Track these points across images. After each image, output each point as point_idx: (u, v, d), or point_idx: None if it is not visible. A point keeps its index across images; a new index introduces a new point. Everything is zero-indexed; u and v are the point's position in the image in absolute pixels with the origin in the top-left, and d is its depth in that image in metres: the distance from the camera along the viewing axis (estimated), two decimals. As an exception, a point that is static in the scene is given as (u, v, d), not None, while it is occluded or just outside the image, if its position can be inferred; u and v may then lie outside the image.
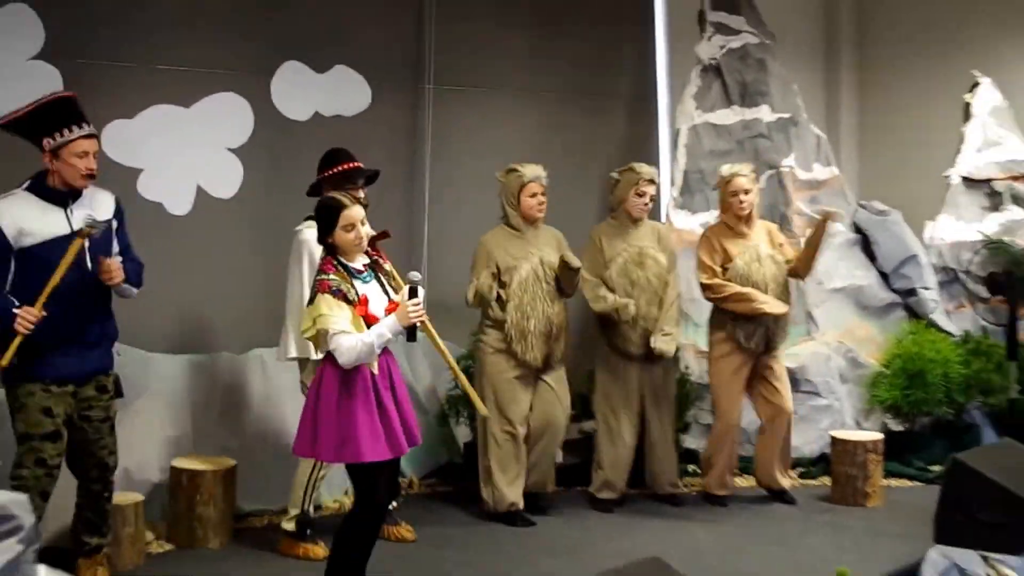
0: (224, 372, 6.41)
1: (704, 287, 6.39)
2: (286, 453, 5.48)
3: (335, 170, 5.35)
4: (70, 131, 4.60)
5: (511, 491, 6.15)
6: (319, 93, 6.79)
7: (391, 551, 5.39)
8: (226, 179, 6.47)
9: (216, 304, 6.43)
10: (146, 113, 6.06)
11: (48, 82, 5.56)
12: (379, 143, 6.89)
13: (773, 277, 6.41)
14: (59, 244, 4.57)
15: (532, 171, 6.14)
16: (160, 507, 5.87)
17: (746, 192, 6.45)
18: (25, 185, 4.67)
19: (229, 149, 6.48)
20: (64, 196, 4.60)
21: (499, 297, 6.05)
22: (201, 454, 6.01)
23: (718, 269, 6.41)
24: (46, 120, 4.63)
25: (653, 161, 7.85)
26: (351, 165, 5.41)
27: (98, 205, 4.81)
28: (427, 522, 5.69)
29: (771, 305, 6.30)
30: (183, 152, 6.27)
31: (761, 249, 6.44)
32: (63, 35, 5.79)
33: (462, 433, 6.81)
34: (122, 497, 5.27)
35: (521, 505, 6.20)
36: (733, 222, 6.52)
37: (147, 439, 5.92)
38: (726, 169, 6.65)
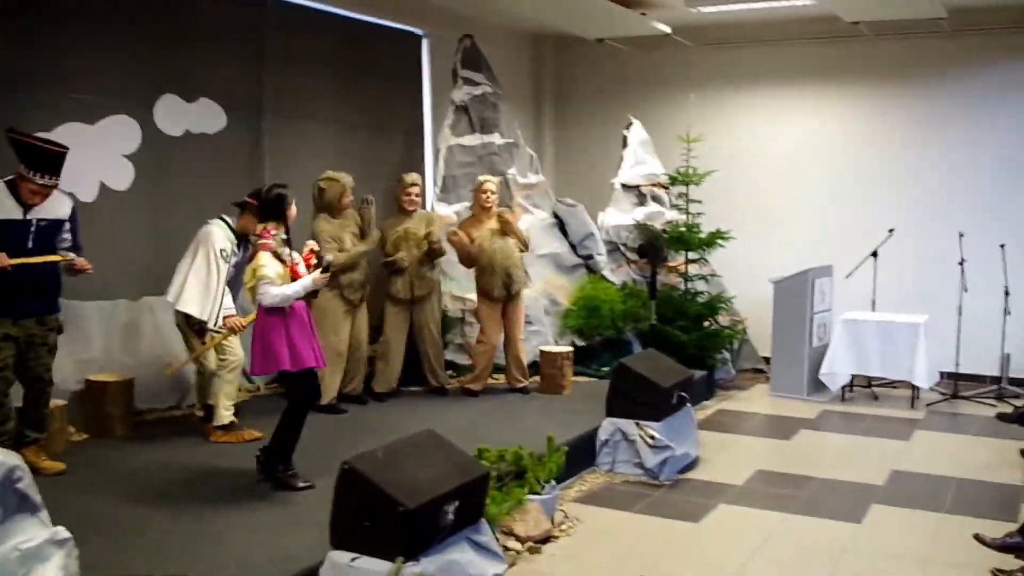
0: (123, 314, 6.87)
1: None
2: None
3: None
4: (39, 176, 5.16)
5: (331, 391, 7.08)
6: (188, 116, 7.19)
7: (249, 447, 5.81)
8: (122, 177, 6.82)
9: (117, 265, 6.63)
10: (61, 128, 6.33)
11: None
12: (233, 156, 7.45)
13: (500, 248, 7.64)
14: (7, 225, 5.17)
15: (348, 180, 7.13)
16: (78, 409, 6.35)
17: (492, 192, 7.79)
18: (7, 179, 5.24)
19: (124, 155, 6.83)
20: (24, 200, 5.23)
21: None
22: (108, 371, 6.56)
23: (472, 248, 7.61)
24: (35, 156, 5.16)
25: (421, 171, 8.76)
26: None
27: (56, 207, 5.39)
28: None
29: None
30: (90, 156, 6.50)
31: (495, 229, 7.68)
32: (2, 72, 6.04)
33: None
34: (52, 403, 5.68)
35: (336, 399, 7.14)
36: (479, 212, 7.83)
37: (68, 361, 6.32)
38: (480, 177, 7.89)
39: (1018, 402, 8.38)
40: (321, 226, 7.11)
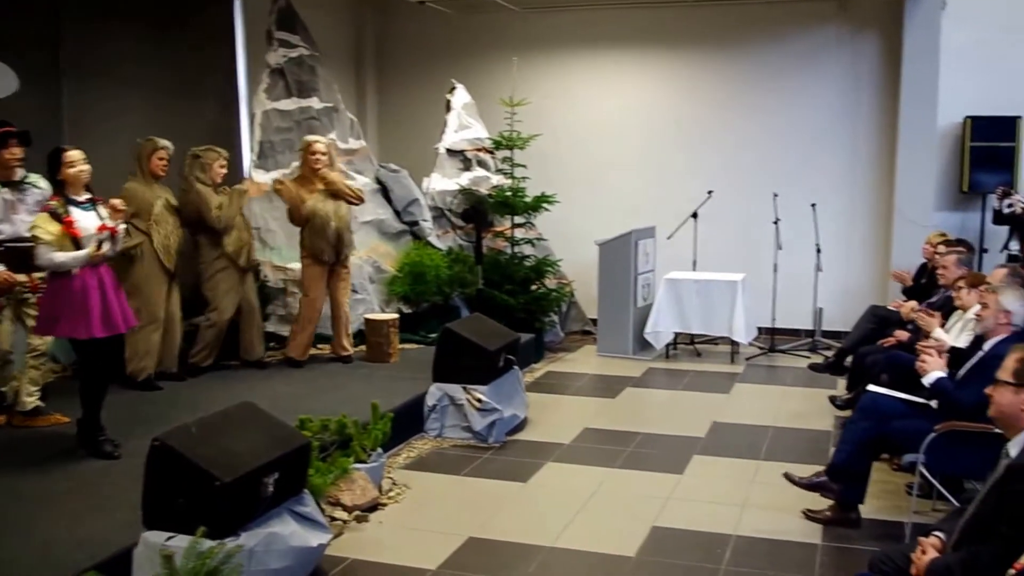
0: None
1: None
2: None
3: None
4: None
5: (149, 367, 6.88)
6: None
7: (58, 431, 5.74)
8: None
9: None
10: None
11: None
12: (27, 123, 6.75)
13: (334, 211, 7.51)
14: None
15: (162, 142, 6.89)
16: None
17: (322, 154, 7.56)
18: None
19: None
20: None
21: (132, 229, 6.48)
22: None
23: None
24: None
25: (237, 136, 8.48)
26: (4, 129, 5.80)
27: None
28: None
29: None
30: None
31: (326, 192, 7.50)
32: None
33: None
34: None
35: (152, 375, 6.90)
36: (308, 174, 7.57)
37: None
38: (309, 137, 7.68)
39: (830, 353, 8.89)
40: (128, 187, 6.83)
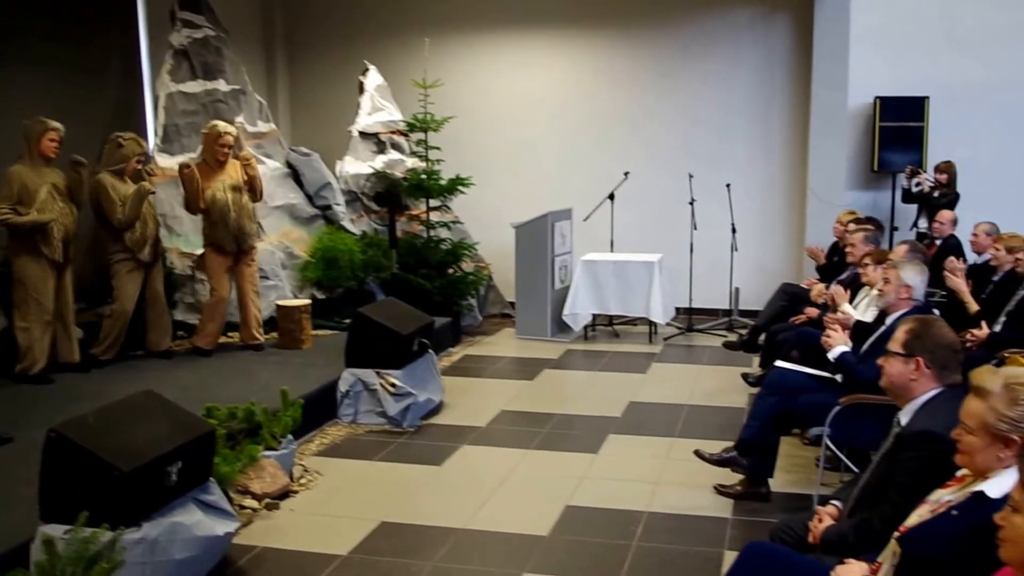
0: None
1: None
2: None
3: None
4: None
5: (41, 360, 6.67)
6: None
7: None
8: None
9: None
10: None
11: None
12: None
13: (235, 201, 7.47)
14: None
15: (53, 123, 6.65)
16: None
17: (230, 147, 7.48)
18: None
19: None
20: None
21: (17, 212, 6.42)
22: None
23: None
24: None
25: (140, 119, 8.42)
26: None
27: None
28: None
29: None
30: None
31: (228, 181, 7.47)
32: None
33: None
34: None
35: (45, 367, 6.67)
36: (211, 162, 7.47)
37: None
38: (220, 126, 7.52)
39: (746, 332, 9.06)
40: (10, 171, 6.61)
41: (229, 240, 7.53)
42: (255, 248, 7.86)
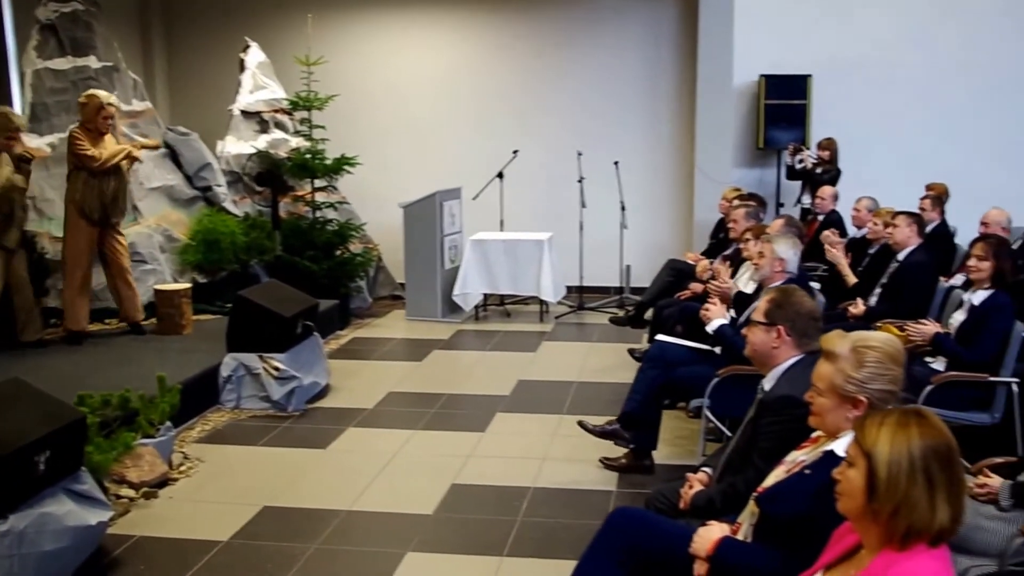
0: None
1: (94, 160, 7.09)
2: None
3: None
4: None
5: None
6: None
7: None
8: None
9: None
10: None
11: None
12: None
13: (113, 173, 7.29)
14: None
15: None
16: None
17: (112, 116, 7.30)
18: None
19: None
20: None
21: None
22: None
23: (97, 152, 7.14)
24: None
25: (7, 98, 8.18)
26: None
27: None
28: None
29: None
30: None
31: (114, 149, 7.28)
32: None
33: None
34: None
35: None
36: (95, 130, 7.21)
37: None
38: (101, 94, 7.30)
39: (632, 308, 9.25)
40: None
41: (98, 208, 7.31)
42: (120, 225, 7.65)
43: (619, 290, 10.31)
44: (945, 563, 2.08)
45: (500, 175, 9.87)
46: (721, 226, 8.62)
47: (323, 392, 6.94)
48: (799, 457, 2.83)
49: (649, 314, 7.91)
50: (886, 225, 6.82)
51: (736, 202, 7.83)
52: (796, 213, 9.35)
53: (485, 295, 9.75)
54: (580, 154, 9.88)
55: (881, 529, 2.09)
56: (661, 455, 5.48)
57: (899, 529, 2.05)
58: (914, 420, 2.10)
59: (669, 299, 7.49)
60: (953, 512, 2.06)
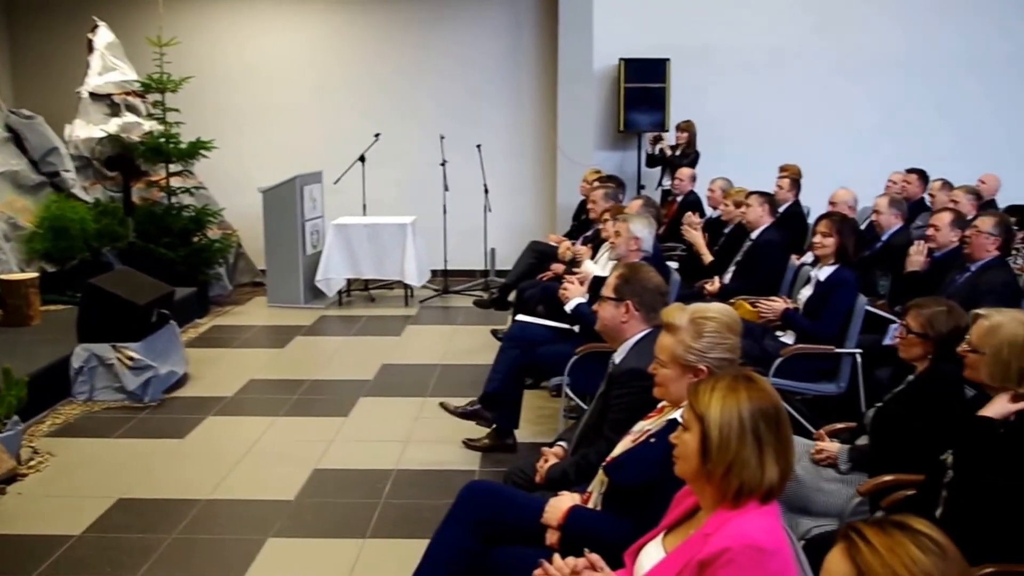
0: None
1: None
2: None
3: None
4: None
5: None
6: None
7: None
8: None
9: None
10: None
11: None
12: None
13: None
14: None
15: None
16: None
17: None
18: None
19: None
20: None
21: None
22: None
23: None
24: None
25: None
26: None
27: None
28: None
29: None
30: None
31: None
32: None
33: None
34: None
35: None
36: None
37: None
38: None
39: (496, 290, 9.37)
40: None
41: None
42: None
43: (484, 273, 10.40)
44: (775, 518, 2.21)
45: (362, 159, 9.83)
46: (583, 208, 8.79)
47: (181, 381, 6.83)
48: (645, 427, 2.95)
49: (513, 296, 8.02)
50: (738, 205, 7.09)
51: (596, 184, 8.00)
52: (658, 196, 9.61)
53: (349, 280, 9.72)
54: (443, 137, 9.92)
55: (715, 489, 2.21)
56: (523, 434, 5.60)
57: (731, 488, 2.18)
58: (743, 384, 2.23)
59: (532, 280, 7.61)
60: (781, 470, 2.20)
